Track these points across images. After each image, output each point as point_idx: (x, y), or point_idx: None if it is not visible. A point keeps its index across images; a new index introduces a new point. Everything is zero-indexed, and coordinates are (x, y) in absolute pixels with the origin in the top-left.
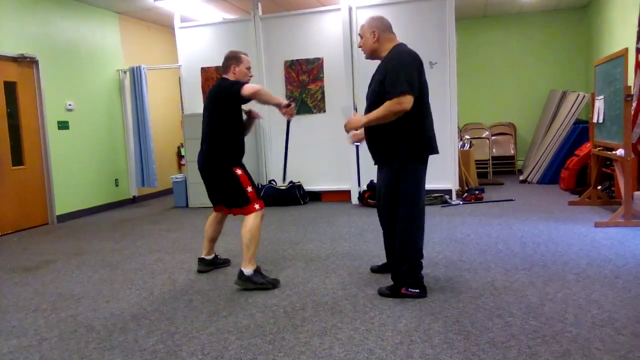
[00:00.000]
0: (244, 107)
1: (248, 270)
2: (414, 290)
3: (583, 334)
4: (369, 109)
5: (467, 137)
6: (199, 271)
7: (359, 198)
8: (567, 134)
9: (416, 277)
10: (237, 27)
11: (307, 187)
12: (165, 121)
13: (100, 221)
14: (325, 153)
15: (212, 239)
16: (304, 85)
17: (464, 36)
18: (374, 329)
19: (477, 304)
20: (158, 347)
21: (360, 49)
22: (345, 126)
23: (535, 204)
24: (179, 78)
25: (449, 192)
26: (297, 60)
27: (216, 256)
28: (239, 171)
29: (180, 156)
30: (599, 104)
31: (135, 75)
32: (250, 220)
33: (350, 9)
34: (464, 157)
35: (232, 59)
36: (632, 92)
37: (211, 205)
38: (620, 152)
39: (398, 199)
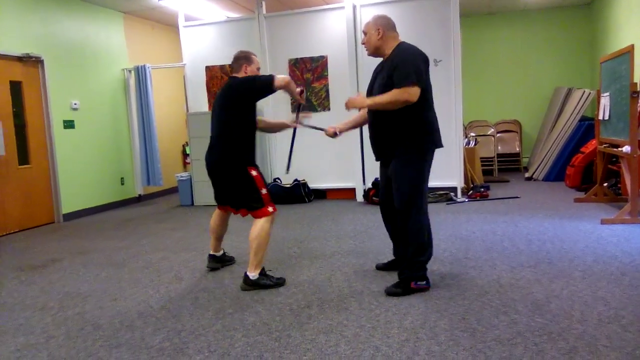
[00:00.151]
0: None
1: (253, 274)
2: (421, 283)
3: (589, 331)
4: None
5: (472, 134)
6: (211, 268)
7: (363, 196)
8: (572, 131)
9: (425, 269)
10: (242, 25)
11: (312, 185)
12: (170, 120)
13: (105, 220)
14: (330, 151)
15: (219, 237)
16: (308, 83)
17: (468, 34)
18: (380, 327)
19: (483, 301)
20: (164, 344)
21: (363, 45)
22: (346, 103)
23: (541, 201)
24: (184, 77)
25: (454, 189)
26: (302, 58)
27: (224, 253)
28: (254, 172)
29: (185, 154)
30: (605, 100)
31: (140, 74)
32: (260, 225)
33: (354, 7)
34: (469, 155)
35: (244, 58)
36: (637, 89)
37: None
38: (626, 149)
39: (407, 189)
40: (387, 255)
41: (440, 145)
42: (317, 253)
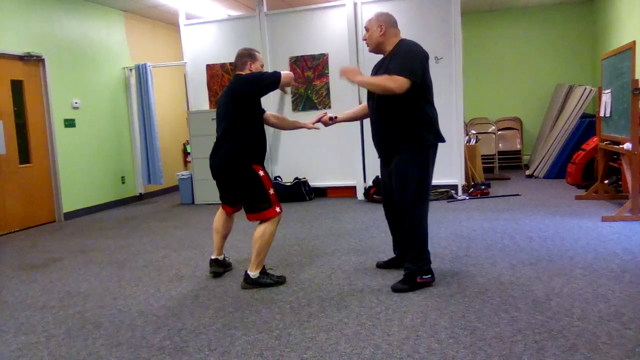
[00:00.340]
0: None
1: (254, 273)
2: (426, 277)
3: (590, 328)
4: (376, 101)
5: (473, 131)
6: (215, 273)
7: (364, 194)
8: (573, 128)
9: (429, 262)
10: (242, 23)
11: (313, 183)
12: (170, 118)
13: (106, 219)
14: (331, 149)
15: (224, 236)
16: (309, 81)
17: (469, 31)
18: (380, 325)
19: (484, 298)
20: (165, 343)
21: (364, 41)
22: (341, 71)
23: (542, 198)
24: (185, 75)
25: (455, 187)
26: (302, 56)
27: (224, 257)
28: (261, 172)
29: (186, 153)
30: (606, 97)
31: (141, 72)
32: (265, 226)
33: (355, 5)
34: (470, 152)
35: (248, 56)
36: (639, 86)
37: (218, 202)
38: (627, 146)
39: (410, 186)
40: (388, 253)
41: (443, 140)
42: (318, 251)
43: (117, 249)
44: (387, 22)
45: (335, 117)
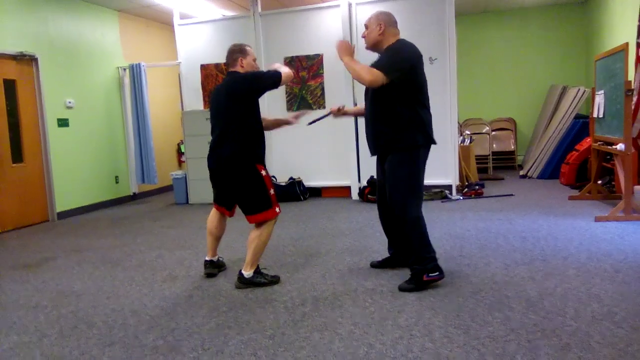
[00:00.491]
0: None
1: (248, 272)
2: (433, 275)
3: (583, 328)
4: (370, 101)
5: (468, 132)
6: (209, 274)
7: (359, 194)
8: (567, 129)
9: (435, 259)
10: (237, 23)
11: (307, 183)
12: (165, 118)
13: (100, 218)
14: (326, 149)
15: (218, 238)
16: (304, 81)
17: (464, 32)
18: (374, 324)
19: (477, 298)
20: (158, 342)
21: (363, 38)
22: (337, 44)
23: (536, 198)
24: (179, 75)
25: (449, 187)
26: (297, 56)
27: (218, 257)
28: (263, 172)
29: (180, 153)
30: (599, 98)
31: (135, 72)
32: (263, 227)
33: (349, 5)
34: (464, 153)
35: (238, 52)
36: (632, 87)
37: (212, 202)
38: (620, 146)
39: (400, 186)
40: (382, 253)
41: (433, 142)
42: (312, 251)
43: (110, 248)
44: (386, 22)
45: (343, 107)
